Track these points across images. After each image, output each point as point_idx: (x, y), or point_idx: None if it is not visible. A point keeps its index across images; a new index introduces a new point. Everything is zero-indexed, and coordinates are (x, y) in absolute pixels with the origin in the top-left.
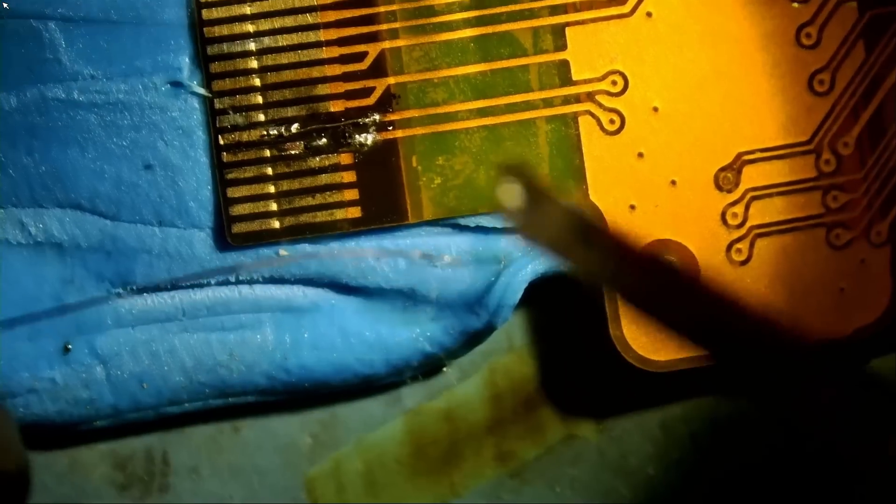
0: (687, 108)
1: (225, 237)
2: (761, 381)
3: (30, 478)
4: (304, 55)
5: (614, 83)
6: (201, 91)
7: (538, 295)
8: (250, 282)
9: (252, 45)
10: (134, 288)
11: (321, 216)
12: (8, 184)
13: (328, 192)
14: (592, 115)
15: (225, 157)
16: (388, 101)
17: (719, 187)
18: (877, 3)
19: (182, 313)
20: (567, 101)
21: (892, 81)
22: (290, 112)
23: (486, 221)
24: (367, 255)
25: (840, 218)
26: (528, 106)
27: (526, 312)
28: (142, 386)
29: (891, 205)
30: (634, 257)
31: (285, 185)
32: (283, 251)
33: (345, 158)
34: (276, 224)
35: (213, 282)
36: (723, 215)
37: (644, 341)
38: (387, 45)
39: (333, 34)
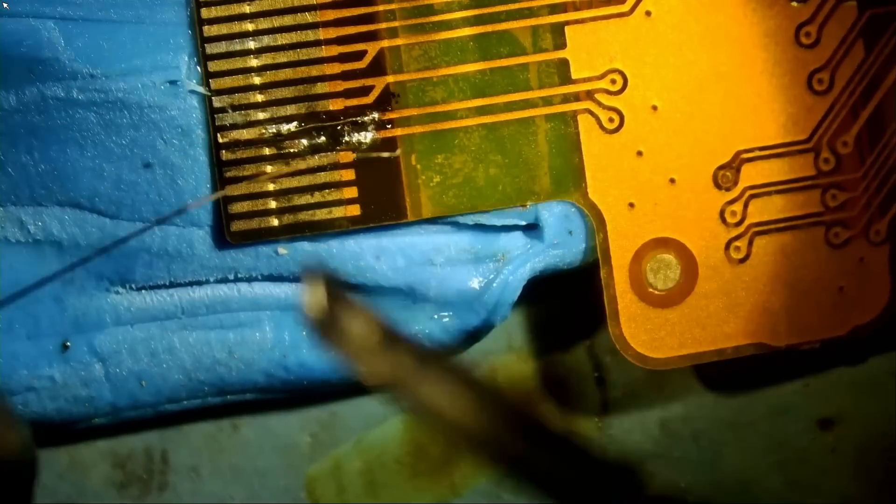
0: (686, 107)
1: (224, 235)
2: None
3: (36, 474)
4: (304, 54)
5: (613, 82)
6: (200, 89)
7: (537, 293)
8: (249, 280)
9: (251, 44)
10: (133, 286)
11: (320, 214)
12: (7, 182)
13: (327, 191)
14: (592, 113)
15: (224, 155)
16: (387, 100)
17: (718, 185)
18: (876, 2)
19: (181, 311)
20: (566, 99)
21: (891, 80)
22: (290, 110)
23: (484, 219)
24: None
25: (839, 216)
26: (528, 104)
27: (525, 311)
28: (141, 384)
29: (889, 203)
30: (434, 372)
31: (284, 184)
32: (281, 249)
33: (344, 157)
34: (275, 222)
35: (211, 280)
36: (722, 213)
37: (643, 339)
38: (386, 43)
39: (332, 33)
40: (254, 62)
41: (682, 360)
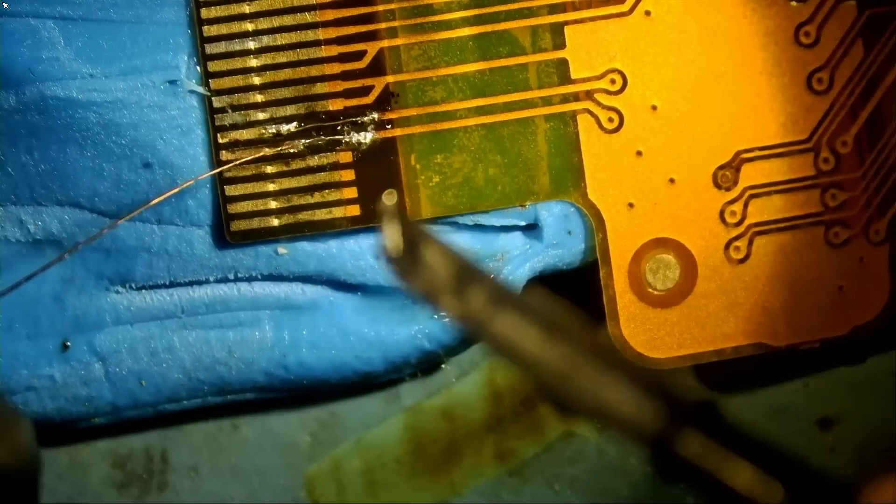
0: (686, 107)
1: (224, 235)
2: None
3: (40, 471)
4: (303, 54)
5: (613, 81)
6: (200, 89)
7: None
8: (249, 279)
9: (251, 44)
10: (133, 286)
11: (320, 214)
12: (7, 182)
13: (327, 191)
14: (591, 113)
15: (224, 155)
16: (386, 100)
17: (718, 185)
18: (875, 2)
19: (181, 311)
20: (566, 99)
21: (890, 80)
22: (289, 110)
23: (484, 219)
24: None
25: (839, 216)
26: (527, 104)
27: None
28: (140, 383)
29: (889, 203)
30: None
31: (284, 184)
32: (281, 249)
33: (343, 157)
34: (275, 222)
35: (211, 279)
36: (721, 213)
37: (642, 339)
38: (385, 43)
39: (332, 33)
40: (253, 62)
41: (681, 361)
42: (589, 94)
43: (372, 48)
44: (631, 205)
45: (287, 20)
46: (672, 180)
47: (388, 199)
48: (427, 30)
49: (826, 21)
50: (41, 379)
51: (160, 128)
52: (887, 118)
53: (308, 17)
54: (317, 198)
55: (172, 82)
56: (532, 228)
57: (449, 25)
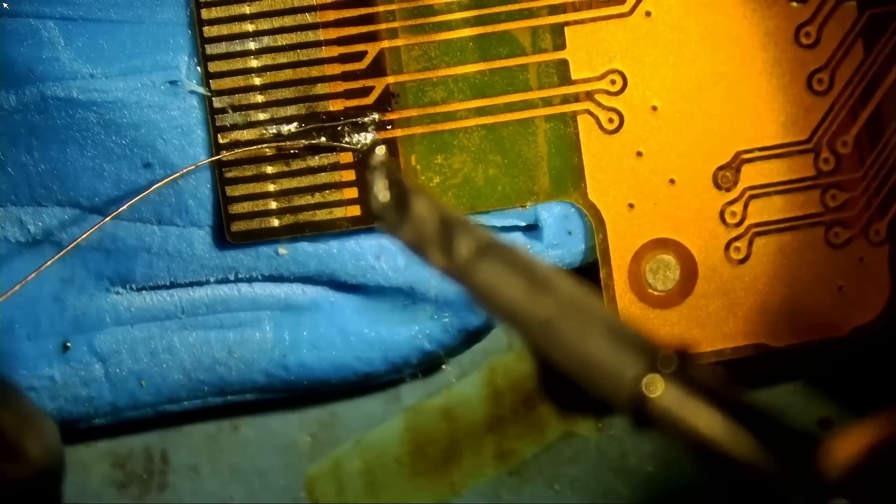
0: (686, 107)
1: (224, 235)
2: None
3: (64, 472)
4: (304, 54)
5: (613, 82)
6: (200, 90)
7: None
8: (249, 280)
9: (251, 45)
10: (133, 286)
11: (320, 214)
12: (7, 182)
13: (327, 191)
14: (591, 114)
15: (224, 155)
16: (387, 101)
17: (718, 186)
18: (876, 2)
19: (181, 311)
20: (566, 100)
21: (890, 80)
22: (290, 111)
23: (484, 220)
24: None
25: (839, 216)
26: (527, 105)
27: None
28: (140, 384)
29: (889, 203)
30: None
31: (284, 184)
32: (282, 249)
33: (344, 157)
34: (276, 222)
35: (211, 280)
36: (721, 214)
37: None
38: (386, 44)
39: (333, 33)
40: (254, 63)
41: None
42: (589, 95)
43: (372, 49)
44: (631, 205)
45: (287, 21)
46: (672, 181)
47: (379, 152)
48: (427, 30)
49: (826, 21)
50: (41, 379)
51: (160, 128)
52: (887, 119)
53: (308, 18)
54: (317, 198)
55: (173, 82)
56: (532, 229)
57: (449, 26)
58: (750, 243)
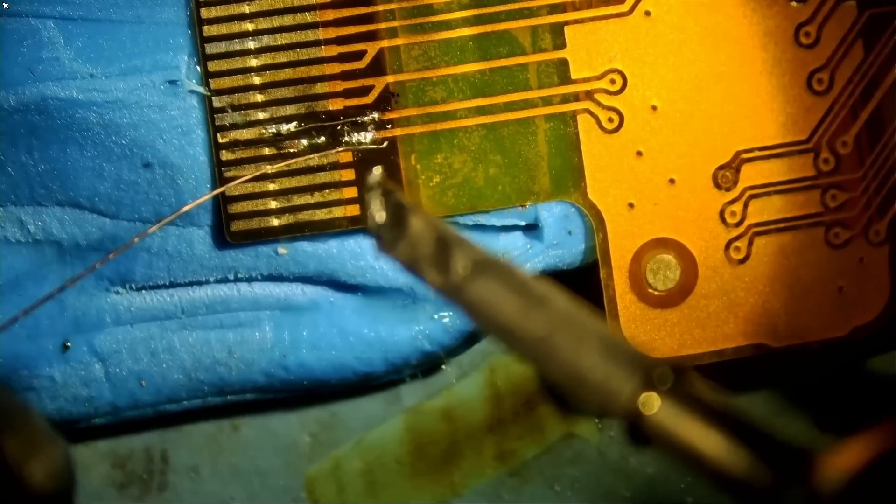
0: (686, 107)
1: (224, 235)
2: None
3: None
4: (303, 54)
5: (613, 82)
6: (200, 89)
7: None
8: (249, 280)
9: (251, 44)
10: (133, 286)
11: (320, 214)
12: (7, 182)
13: (327, 190)
14: (591, 113)
15: (224, 155)
16: (386, 100)
17: (718, 186)
18: (875, 2)
19: (181, 311)
20: (566, 99)
21: (890, 80)
22: (289, 110)
23: (484, 220)
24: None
25: (839, 217)
26: (527, 104)
27: None
28: (140, 384)
29: (889, 204)
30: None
31: (284, 183)
32: (281, 249)
33: (343, 156)
34: (275, 222)
35: (211, 280)
36: (721, 214)
37: (643, 340)
38: (385, 43)
39: (332, 33)
40: (253, 62)
41: (681, 361)
42: (589, 95)
43: (372, 48)
44: (631, 205)
45: (287, 20)
46: (672, 180)
47: (375, 172)
48: (427, 30)
49: (826, 21)
50: (41, 379)
51: (160, 128)
52: (887, 119)
53: (308, 17)
54: (317, 198)
55: (172, 82)
56: (532, 229)
57: (449, 25)
58: (750, 243)
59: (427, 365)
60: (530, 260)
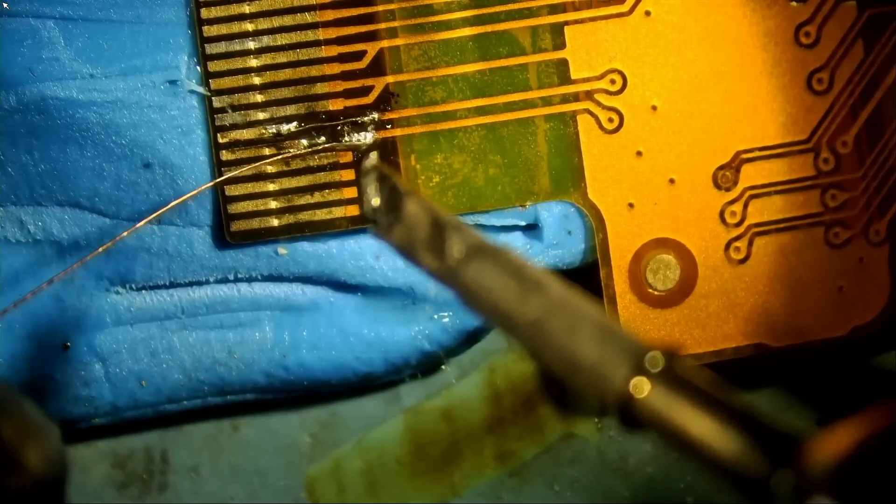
0: (686, 107)
1: (224, 235)
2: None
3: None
4: (303, 54)
5: (613, 82)
6: (200, 89)
7: None
8: (249, 280)
9: (251, 44)
10: (133, 286)
11: (320, 214)
12: (7, 182)
13: (327, 190)
14: (591, 113)
15: (224, 155)
16: (386, 100)
17: (718, 186)
18: (875, 2)
19: (181, 311)
20: (566, 99)
21: (890, 80)
22: (289, 110)
23: (484, 220)
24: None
25: (839, 216)
26: (527, 104)
27: None
28: (140, 384)
29: (889, 203)
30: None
31: (284, 183)
32: (281, 249)
33: (343, 156)
34: (275, 222)
35: (211, 280)
36: (721, 214)
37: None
38: (385, 43)
39: (332, 33)
40: (253, 62)
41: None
42: (589, 95)
43: (372, 48)
44: (631, 205)
45: (287, 20)
46: (672, 180)
47: (371, 156)
48: (427, 30)
49: (826, 21)
50: (41, 379)
51: (160, 128)
52: (887, 118)
53: (308, 18)
54: (317, 198)
55: (172, 82)
56: (532, 229)
57: (449, 26)
58: (750, 243)
59: (427, 365)
60: (530, 260)
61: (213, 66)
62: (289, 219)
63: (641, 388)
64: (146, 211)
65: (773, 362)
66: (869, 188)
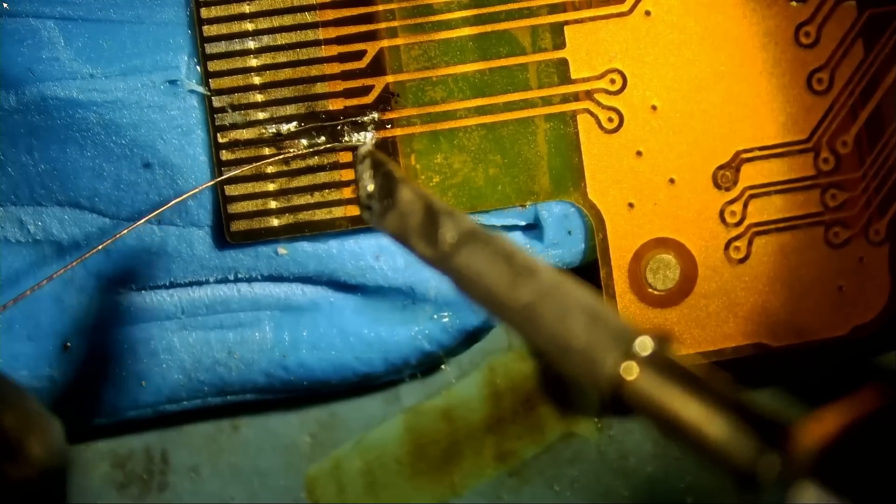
0: (685, 107)
1: (224, 235)
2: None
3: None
4: (303, 53)
5: (613, 81)
6: (200, 89)
7: None
8: (249, 280)
9: (251, 44)
10: (133, 286)
11: (320, 214)
12: (7, 182)
13: (327, 190)
14: (591, 113)
15: (224, 155)
16: (386, 100)
17: (718, 185)
18: (875, 2)
19: (181, 311)
20: (566, 99)
21: (890, 80)
22: (289, 110)
23: (484, 219)
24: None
25: (838, 216)
26: (527, 104)
27: None
28: (140, 384)
29: (889, 203)
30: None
31: (284, 183)
32: (281, 249)
33: (343, 156)
34: (275, 222)
35: (211, 280)
36: (721, 213)
37: None
38: (385, 43)
39: (332, 33)
40: (253, 62)
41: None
42: (589, 94)
43: (372, 48)
44: (631, 205)
45: (287, 20)
46: (672, 180)
47: (366, 142)
48: (427, 30)
49: (826, 21)
50: (41, 379)
51: (160, 128)
52: (887, 118)
53: (308, 17)
54: (317, 198)
55: (172, 82)
56: (532, 228)
57: (449, 25)
58: (750, 243)
59: (427, 365)
60: None
61: (213, 66)
62: (289, 219)
63: (631, 370)
64: (146, 211)
65: (773, 362)
66: (869, 188)
